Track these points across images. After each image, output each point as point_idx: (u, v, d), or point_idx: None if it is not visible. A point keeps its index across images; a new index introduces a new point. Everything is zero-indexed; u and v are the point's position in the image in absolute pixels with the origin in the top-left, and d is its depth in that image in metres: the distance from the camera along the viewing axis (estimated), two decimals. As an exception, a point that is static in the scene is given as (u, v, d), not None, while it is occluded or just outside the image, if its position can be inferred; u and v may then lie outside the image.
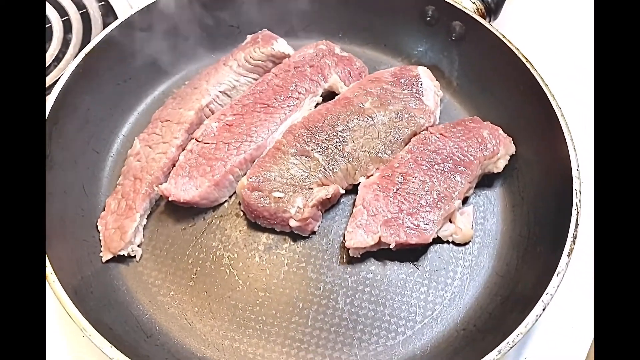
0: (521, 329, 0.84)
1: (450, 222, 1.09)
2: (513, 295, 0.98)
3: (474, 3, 1.25)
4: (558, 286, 0.88)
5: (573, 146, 1.02)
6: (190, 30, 1.27)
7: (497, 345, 0.82)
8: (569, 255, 0.90)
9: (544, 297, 0.86)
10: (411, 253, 1.06)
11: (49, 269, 0.89)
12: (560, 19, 1.51)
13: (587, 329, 1.05)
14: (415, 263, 1.06)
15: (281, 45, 1.26)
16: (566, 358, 1.03)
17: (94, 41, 1.14)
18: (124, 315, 0.98)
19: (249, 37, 1.27)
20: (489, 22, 1.26)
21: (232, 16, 1.30)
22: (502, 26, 1.26)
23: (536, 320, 0.85)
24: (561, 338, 1.05)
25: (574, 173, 0.99)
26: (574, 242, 0.92)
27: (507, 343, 0.83)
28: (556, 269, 0.89)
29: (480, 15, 1.24)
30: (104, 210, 1.08)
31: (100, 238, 1.04)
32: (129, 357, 0.82)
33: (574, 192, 0.97)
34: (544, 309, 0.86)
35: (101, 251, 1.03)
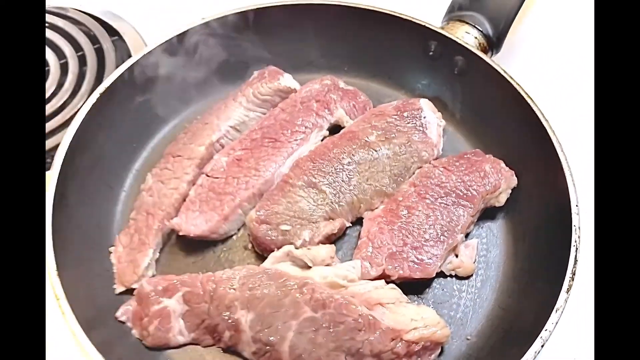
0: (520, 365, 0.86)
1: (456, 256, 1.11)
2: (514, 329, 1.00)
3: (475, 38, 1.28)
4: (557, 323, 0.90)
5: (573, 182, 1.05)
6: (200, 67, 1.31)
7: (496, 381, 0.85)
8: (567, 292, 0.93)
9: (543, 334, 0.89)
10: (415, 285, 1.09)
11: (64, 304, 0.93)
12: (560, 53, 1.55)
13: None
14: (419, 295, 1.09)
15: (287, 80, 1.30)
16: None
17: (107, 80, 1.18)
18: (135, 347, 1.01)
19: (255, 72, 1.31)
20: (491, 56, 1.30)
21: (241, 52, 1.34)
22: (504, 60, 1.29)
23: (535, 357, 0.87)
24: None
25: (574, 209, 1.02)
26: (572, 279, 0.94)
27: (507, 379, 0.85)
28: (555, 305, 0.91)
29: (481, 50, 1.27)
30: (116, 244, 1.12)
31: (114, 271, 1.08)
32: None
33: (573, 228, 0.99)
34: (542, 346, 0.88)
35: (115, 284, 1.07)
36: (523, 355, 0.87)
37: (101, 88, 1.17)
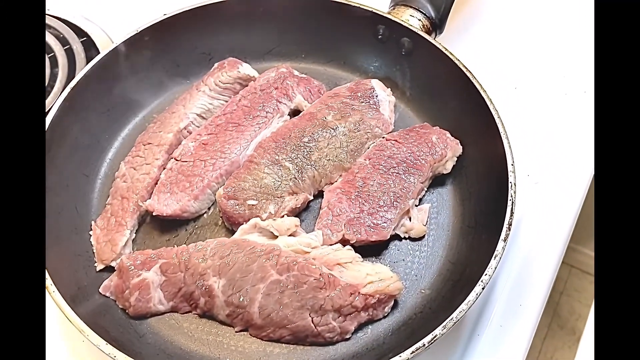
0: (463, 306, 0.96)
1: (410, 219, 1.22)
2: (462, 279, 1.10)
3: (419, 20, 1.39)
4: (495, 268, 1.01)
5: (508, 144, 1.15)
6: (165, 60, 1.40)
7: (442, 322, 0.95)
8: (504, 240, 1.03)
9: (483, 278, 0.99)
10: (373, 248, 1.19)
11: (48, 281, 1.00)
12: (496, 32, 1.67)
13: (534, 307, 1.18)
14: (377, 257, 1.19)
15: (246, 68, 1.39)
16: (515, 334, 1.16)
17: (78, 76, 1.26)
18: (118, 319, 1.09)
19: (216, 64, 1.41)
20: (434, 37, 1.40)
21: (203, 45, 1.43)
22: (447, 40, 1.40)
23: (477, 298, 0.97)
24: (511, 315, 1.18)
25: (509, 168, 1.12)
26: (509, 229, 1.05)
27: (451, 319, 0.95)
28: (494, 252, 1.02)
29: (425, 32, 1.37)
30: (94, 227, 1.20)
31: (94, 251, 1.16)
32: (124, 353, 0.94)
33: (509, 184, 1.10)
34: (483, 288, 0.98)
35: (95, 263, 1.15)
36: (465, 298, 0.97)
37: (72, 83, 1.25)
